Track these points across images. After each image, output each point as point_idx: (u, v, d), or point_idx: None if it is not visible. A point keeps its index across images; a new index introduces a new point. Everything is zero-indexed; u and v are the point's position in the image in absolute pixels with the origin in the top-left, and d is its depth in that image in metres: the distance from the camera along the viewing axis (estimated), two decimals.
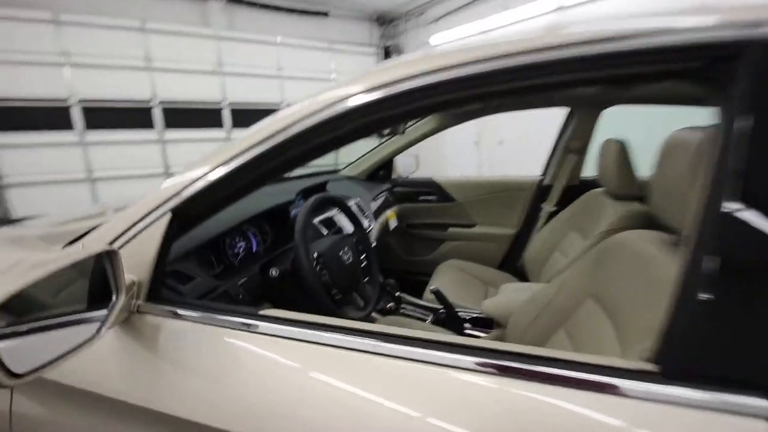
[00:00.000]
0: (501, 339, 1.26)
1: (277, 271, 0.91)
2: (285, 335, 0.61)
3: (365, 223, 1.60)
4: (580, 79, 0.56)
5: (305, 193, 1.40)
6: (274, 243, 1.27)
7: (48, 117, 4.56)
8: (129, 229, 0.74)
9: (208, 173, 0.70)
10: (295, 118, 0.64)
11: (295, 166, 0.70)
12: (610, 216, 1.35)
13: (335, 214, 1.40)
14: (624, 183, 1.36)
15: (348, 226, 1.32)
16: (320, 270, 0.97)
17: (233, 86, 5.58)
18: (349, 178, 2.11)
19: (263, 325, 0.62)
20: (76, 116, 4.68)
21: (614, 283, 0.86)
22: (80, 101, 4.67)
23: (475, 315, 1.46)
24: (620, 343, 0.73)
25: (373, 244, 1.60)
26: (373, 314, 1.46)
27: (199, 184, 0.71)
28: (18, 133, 4.42)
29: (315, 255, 0.99)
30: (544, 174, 2.00)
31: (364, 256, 1.21)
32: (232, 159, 0.69)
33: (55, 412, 0.74)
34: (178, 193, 0.72)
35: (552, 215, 1.82)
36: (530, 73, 0.52)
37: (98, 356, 0.71)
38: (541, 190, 1.97)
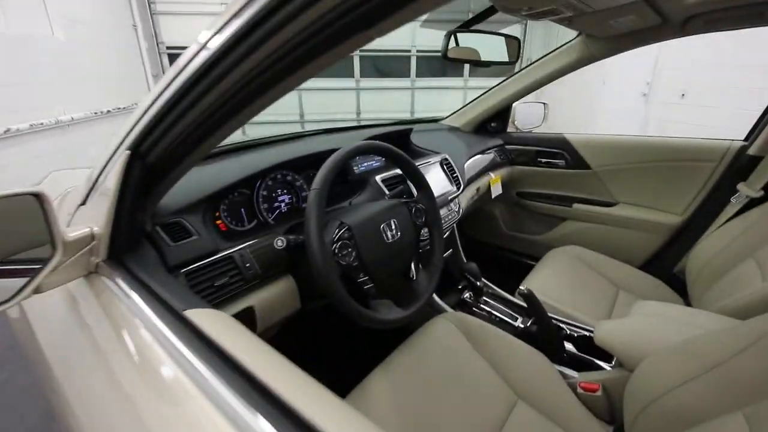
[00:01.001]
0: (618, 386, 0.84)
1: (284, 241, 0.69)
2: (176, 358, 0.38)
3: (450, 187, 1.25)
4: None
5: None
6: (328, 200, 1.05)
7: None
8: (99, 175, 0.61)
9: (159, 95, 0.49)
10: None
11: (290, 80, 0.39)
12: None
13: None
14: None
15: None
16: (341, 247, 0.71)
17: None
18: (451, 129, 1.73)
19: (171, 336, 0.41)
20: None
21: None
22: None
23: (586, 333, 1.03)
24: None
25: (458, 214, 1.25)
26: (441, 302, 1.16)
27: (152, 112, 0.51)
28: None
29: (341, 225, 0.73)
30: (751, 138, 1.28)
31: (426, 233, 0.90)
32: (183, 69, 0.45)
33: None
34: (132, 128, 0.54)
35: (755, 203, 1.16)
36: None
37: (57, 309, 0.62)
38: (740, 163, 1.27)
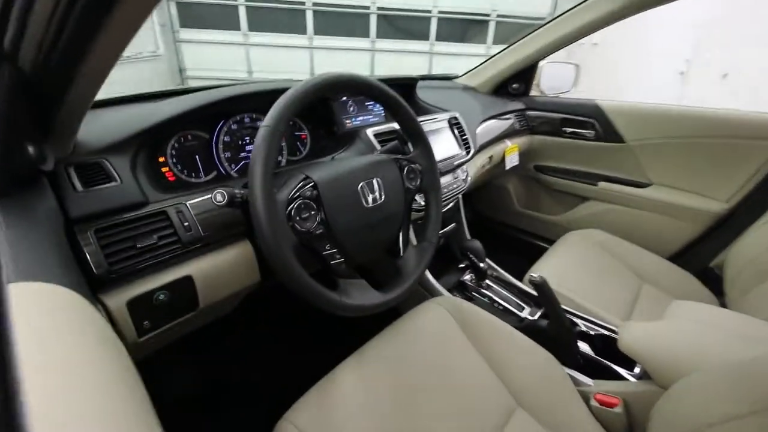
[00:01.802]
0: (642, 403, 0.68)
1: (224, 195, 0.52)
2: None
3: (458, 151, 1.06)
4: None
5: None
6: (312, 152, 0.88)
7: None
8: None
9: None
10: None
11: None
12: None
13: None
14: None
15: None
16: (301, 208, 0.54)
17: None
18: (466, 88, 1.51)
19: None
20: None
21: None
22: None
23: (606, 332, 0.87)
24: None
25: (464, 184, 1.07)
26: (436, 284, 1.01)
27: None
28: None
29: (305, 181, 0.57)
30: None
31: (422, 200, 0.73)
32: None
33: None
34: None
35: None
36: None
37: None
38: None
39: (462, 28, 5.33)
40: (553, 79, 1.53)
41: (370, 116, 1.04)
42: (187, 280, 0.58)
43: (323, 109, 0.92)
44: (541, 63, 1.49)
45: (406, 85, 1.08)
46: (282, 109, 0.52)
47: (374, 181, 0.63)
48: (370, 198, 0.61)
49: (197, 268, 0.59)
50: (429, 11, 5.19)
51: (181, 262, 0.58)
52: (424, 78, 1.47)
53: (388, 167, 0.67)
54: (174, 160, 0.69)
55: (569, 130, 1.46)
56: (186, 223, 0.57)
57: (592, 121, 1.40)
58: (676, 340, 0.67)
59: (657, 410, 0.61)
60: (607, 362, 0.80)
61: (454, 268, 1.12)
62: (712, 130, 1.21)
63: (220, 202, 0.51)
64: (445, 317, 0.80)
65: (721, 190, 1.22)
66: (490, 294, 1.00)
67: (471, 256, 0.97)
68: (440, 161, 0.99)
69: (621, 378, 0.77)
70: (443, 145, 1.03)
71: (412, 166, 0.71)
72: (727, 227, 1.21)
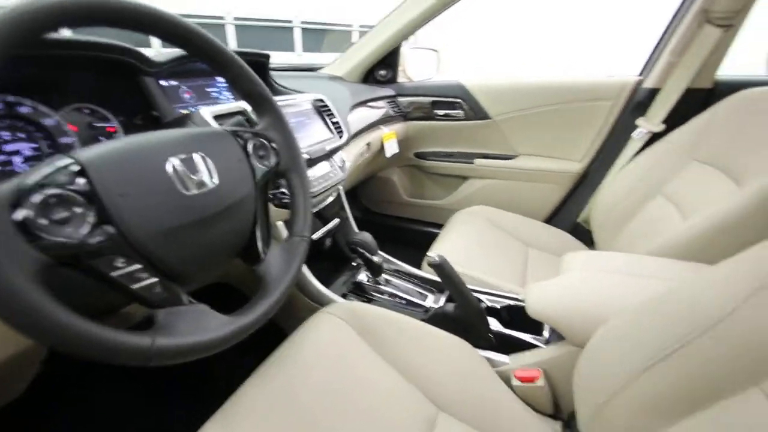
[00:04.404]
0: (560, 367, 0.63)
1: None
2: None
3: (329, 135, 0.93)
4: None
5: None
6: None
7: None
8: None
9: None
10: None
11: None
12: None
13: None
14: None
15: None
16: (49, 205, 0.30)
17: None
18: (333, 77, 1.40)
19: None
20: None
21: None
22: None
23: (510, 302, 0.82)
24: None
25: (341, 171, 0.94)
26: (328, 292, 0.85)
27: None
28: None
29: (63, 164, 0.35)
30: (645, 72, 1.21)
31: (288, 187, 0.56)
32: None
33: None
34: None
35: (657, 138, 1.08)
36: None
37: None
38: (638, 98, 1.20)
39: (321, 39, 5.33)
40: (417, 65, 1.52)
41: (214, 105, 0.84)
42: None
43: (135, 98, 0.68)
44: (404, 49, 1.47)
45: (253, 63, 0.90)
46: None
47: (195, 158, 0.43)
48: (191, 182, 0.42)
49: None
50: (290, 21, 5.06)
51: None
52: (282, 69, 1.31)
53: (221, 140, 0.49)
54: None
55: (441, 112, 1.46)
56: None
57: (459, 101, 1.42)
58: (581, 293, 0.64)
59: (579, 372, 0.55)
60: (517, 333, 0.74)
61: (345, 269, 0.98)
62: (555, 97, 1.31)
63: None
64: (340, 327, 0.65)
65: (575, 152, 1.34)
66: (390, 289, 0.89)
67: (361, 250, 0.84)
68: (310, 146, 0.84)
69: (534, 347, 0.71)
70: (311, 130, 0.89)
71: (262, 141, 0.54)
72: (586, 184, 1.33)
